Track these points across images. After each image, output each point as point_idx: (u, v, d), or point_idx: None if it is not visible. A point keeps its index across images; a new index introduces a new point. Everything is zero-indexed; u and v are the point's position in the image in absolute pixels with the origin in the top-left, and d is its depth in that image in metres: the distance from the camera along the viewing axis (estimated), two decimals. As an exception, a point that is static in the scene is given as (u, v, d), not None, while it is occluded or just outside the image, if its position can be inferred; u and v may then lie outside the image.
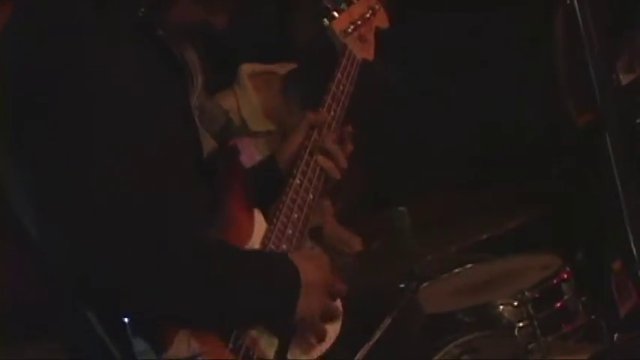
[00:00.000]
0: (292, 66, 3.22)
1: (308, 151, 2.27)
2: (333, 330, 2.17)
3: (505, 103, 3.90)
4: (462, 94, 3.91)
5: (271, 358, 1.98)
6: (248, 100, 3.19)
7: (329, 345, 2.15)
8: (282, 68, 3.23)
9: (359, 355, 2.42)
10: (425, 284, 3.10)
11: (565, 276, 3.04)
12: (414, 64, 3.85)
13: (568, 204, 3.45)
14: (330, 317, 2.05)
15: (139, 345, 1.77)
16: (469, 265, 3.26)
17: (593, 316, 3.07)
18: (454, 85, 3.90)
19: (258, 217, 2.13)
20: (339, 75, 2.37)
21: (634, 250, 2.32)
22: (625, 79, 3.39)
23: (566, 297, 3.02)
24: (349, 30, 2.45)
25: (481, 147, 3.95)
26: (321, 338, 2.05)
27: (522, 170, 3.68)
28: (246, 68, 3.21)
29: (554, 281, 3.03)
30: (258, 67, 3.23)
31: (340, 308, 2.09)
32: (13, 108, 1.79)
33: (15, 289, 2.02)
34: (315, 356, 2.11)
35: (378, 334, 2.56)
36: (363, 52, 2.47)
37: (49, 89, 1.76)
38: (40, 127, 1.76)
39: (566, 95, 3.44)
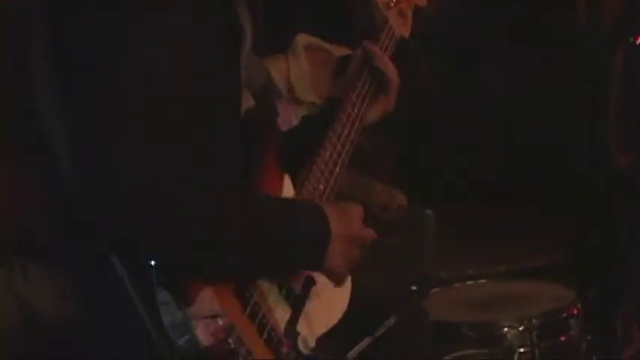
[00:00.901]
0: (347, 51, 3.13)
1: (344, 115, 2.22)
2: (340, 307, 2.15)
3: (548, 129, 3.80)
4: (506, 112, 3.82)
5: (282, 329, 1.92)
6: (300, 67, 3.09)
7: (335, 321, 2.12)
8: (338, 50, 3.13)
9: (357, 347, 2.29)
10: (435, 290, 3.02)
11: (575, 312, 2.94)
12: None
13: (591, 242, 3.35)
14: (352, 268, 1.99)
15: (163, 296, 1.71)
16: (482, 280, 3.18)
17: (594, 357, 2.99)
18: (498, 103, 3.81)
19: (287, 182, 2.08)
20: (375, 47, 2.32)
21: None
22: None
23: (572, 332, 2.92)
24: (391, 4, 2.39)
25: (516, 169, 3.86)
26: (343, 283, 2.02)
27: (553, 200, 3.60)
28: (302, 39, 3.12)
29: (564, 314, 2.93)
30: (315, 41, 3.14)
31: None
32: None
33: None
34: (321, 332, 2.06)
35: (380, 331, 2.50)
36: (402, 28, 2.41)
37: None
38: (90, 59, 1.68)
39: (611, 132, 3.34)
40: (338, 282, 1.99)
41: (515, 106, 3.79)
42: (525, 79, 3.75)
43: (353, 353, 2.33)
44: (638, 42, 3.23)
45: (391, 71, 2.27)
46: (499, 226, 3.19)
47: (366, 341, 2.43)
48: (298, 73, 3.08)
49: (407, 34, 2.40)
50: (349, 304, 2.18)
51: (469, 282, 3.18)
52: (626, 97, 3.22)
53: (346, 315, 2.16)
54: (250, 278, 1.86)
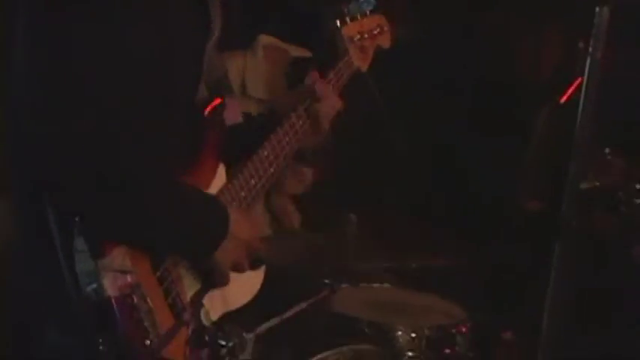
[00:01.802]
0: (305, 52, 3.23)
1: (287, 124, 2.28)
2: (250, 289, 2.20)
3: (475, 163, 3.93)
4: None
5: (188, 298, 1.98)
6: (255, 65, 3.20)
7: (243, 303, 2.17)
8: (295, 51, 3.25)
9: (266, 324, 2.47)
10: (344, 286, 3.10)
11: (463, 330, 3.06)
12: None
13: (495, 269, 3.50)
14: (236, 269, 2.05)
15: (80, 245, 1.77)
16: (387, 285, 3.29)
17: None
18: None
19: (221, 172, 2.14)
20: (331, 74, 2.40)
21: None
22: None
23: (457, 347, 3.05)
24: (355, 39, 2.46)
25: (441, 194, 3.96)
26: (224, 284, 2.06)
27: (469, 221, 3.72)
28: (263, 39, 3.24)
29: (453, 330, 3.05)
30: (274, 41, 3.26)
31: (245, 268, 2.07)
32: None
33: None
34: (227, 310, 2.12)
35: (289, 314, 2.61)
36: (360, 61, 2.48)
37: None
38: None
39: (527, 179, 3.50)
40: (221, 281, 2.04)
41: (447, 141, 3.92)
42: (463, 120, 3.89)
43: (261, 329, 2.43)
44: (562, 100, 3.36)
45: (325, 118, 2.33)
46: (415, 238, 3.28)
47: (274, 320, 2.56)
48: (253, 70, 3.18)
49: (364, 68, 2.49)
50: (267, 286, 2.22)
51: (375, 284, 3.28)
52: (543, 149, 3.38)
53: (262, 296, 2.21)
54: (153, 248, 1.92)
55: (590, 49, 2.59)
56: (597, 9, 2.55)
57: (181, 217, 1.92)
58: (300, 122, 2.29)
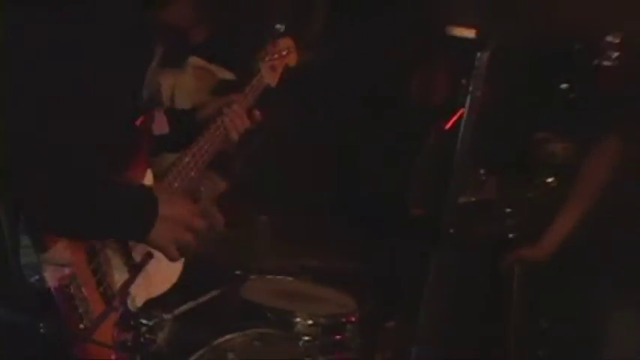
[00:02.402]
0: (229, 75, 3.49)
1: (206, 135, 2.50)
2: (170, 278, 2.35)
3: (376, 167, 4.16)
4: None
5: (117, 286, 2.13)
6: (185, 83, 3.42)
7: (164, 290, 2.33)
8: (220, 72, 3.49)
9: (181, 308, 2.69)
10: (252, 277, 3.33)
11: (353, 319, 3.28)
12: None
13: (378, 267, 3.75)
14: (183, 249, 2.15)
15: (25, 241, 1.90)
16: (289, 278, 3.50)
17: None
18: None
19: (149, 174, 2.30)
20: (247, 89, 2.67)
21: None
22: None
23: (347, 334, 3.26)
24: (267, 58, 2.74)
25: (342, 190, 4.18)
26: (175, 259, 2.17)
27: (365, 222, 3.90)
28: (194, 60, 3.47)
29: (343, 319, 3.27)
30: (203, 63, 3.48)
31: (192, 245, 2.17)
32: None
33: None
34: (150, 296, 2.27)
35: (203, 299, 2.84)
36: (270, 78, 2.74)
37: None
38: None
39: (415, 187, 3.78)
40: (168, 257, 2.15)
41: (349, 152, 4.17)
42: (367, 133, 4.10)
43: (178, 311, 2.67)
44: (447, 127, 3.64)
45: (234, 133, 2.55)
46: (316, 238, 3.51)
47: (190, 304, 2.77)
48: (182, 88, 3.40)
49: (273, 84, 2.75)
50: (185, 273, 2.38)
51: (279, 276, 3.48)
52: (431, 165, 3.68)
53: (180, 284, 2.38)
54: (94, 238, 2.06)
55: (471, 87, 2.90)
56: (478, 54, 2.86)
57: (116, 204, 2.04)
58: (218, 133, 2.53)
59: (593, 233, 3.08)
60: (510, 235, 3.58)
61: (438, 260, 3.09)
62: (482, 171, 3.66)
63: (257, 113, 2.64)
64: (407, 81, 3.91)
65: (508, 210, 3.61)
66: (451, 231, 3.40)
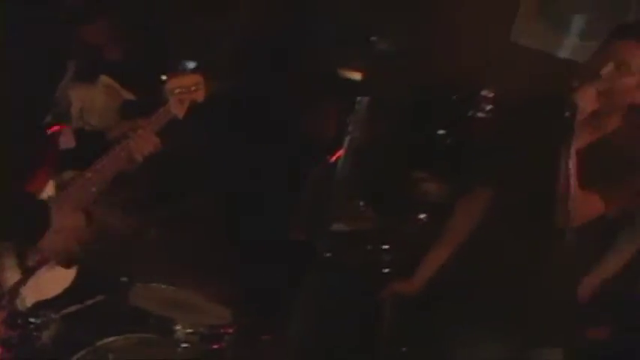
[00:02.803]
0: (131, 96, 3.60)
1: (111, 154, 2.64)
2: (62, 283, 2.50)
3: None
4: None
5: (8, 285, 2.28)
6: (95, 99, 3.52)
7: (56, 294, 2.49)
8: (126, 94, 3.60)
9: (66, 310, 2.78)
10: (139, 284, 3.43)
11: (230, 330, 3.41)
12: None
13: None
14: (73, 257, 2.33)
15: None
16: (174, 288, 3.57)
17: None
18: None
19: (51, 185, 2.45)
20: (153, 117, 2.82)
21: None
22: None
23: (224, 344, 3.39)
24: (176, 91, 2.86)
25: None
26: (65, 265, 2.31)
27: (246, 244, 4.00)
28: (105, 79, 3.57)
29: (221, 330, 3.40)
30: (113, 82, 3.59)
31: (81, 254, 2.33)
32: None
33: None
34: (41, 298, 2.42)
35: (88, 303, 2.94)
36: (177, 110, 2.87)
37: None
38: None
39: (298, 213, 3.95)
40: (59, 263, 2.31)
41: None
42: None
43: (65, 312, 2.77)
44: (332, 160, 3.76)
45: (138, 156, 2.69)
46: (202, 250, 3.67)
47: (77, 306, 2.87)
48: (93, 104, 3.51)
49: (180, 116, 2.89)
50: (77, 278, 2.54)
51: (164, 286, 3.55)
52: (312, 196, 3.88)
53: (72, 288, 2.53)
54: None
55: (350, 127, 3.09)
56: (359, 98, 3.07)
57: (11, 210, 2.15)
58: (122, 154, 2.68)
59: (461, 271, 3.16)
60: (383, 265, 3.72)
61: (310, 281, 3.21)
62: (361, 203, 3.85)
63: (157, 141, 2.79)
64: (300, 116, 4.07)
65: (382, 240, 3.77)
66: (327, 255, 3.63)
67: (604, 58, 2.81)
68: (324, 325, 3.66)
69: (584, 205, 2.79)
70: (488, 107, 4.37)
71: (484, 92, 4.45)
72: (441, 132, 4.24)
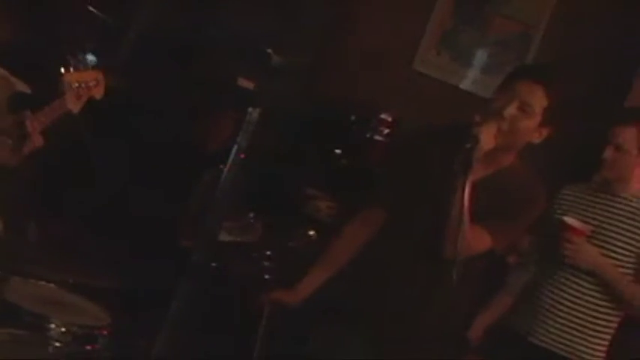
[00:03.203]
0: (26, 88, 3.59)
1: None
2: None
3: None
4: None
5: None
6: None
7: None
8: (19, 85, 3.55)
9: None
10: (15, 279, 3.39)
11: (105, 332, 3.42)
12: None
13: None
14: None
15: None
16: (51, 285, 3.55)
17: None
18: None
19: None
20: (47, 108, 2.87)
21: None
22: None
23: (98, 345, 3.39)
24: (74, 85, 2.92)
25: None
26: None
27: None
28: None
29: (96, 331, 3.40)
30: (4, 72, 3.56)
31: None
32: None
33: None
34: None
35: None
36: (73, 105, 2.93)
37: None
38: None
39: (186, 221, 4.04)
40: None
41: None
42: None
43: None
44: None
45: (27, 147, 2.75)
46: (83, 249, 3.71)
47: None
48: None
49: (75, 111, 2.95)
50: None
51: (41, 282, 3.52)
52: (201, 205, 3.97)
53: None
54: None
55: (238, 138, 3.17)
56: (250, 109, 3.14)
57: None
58: (7, 144, 2.75)
59: (343, 289, 3.22)
60: (267, 276, 3.80)
61: (189, 289, 3.26)
62: (251, 215, 3.95)
63: (40, 139, 2.84)
64: (194, 121, 4.15)
65: (268, 253, 3.86)
66: (213, 265, 3.69)
67: (507, 97, 2.90)
68: (194, 335, 3.70)
69: (473, 239, 2.84)
70: (386, 131, 4.52)
71: (383, 115, 4.60)
72: (337, 151, 4.35)
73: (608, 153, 3.52)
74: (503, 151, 2.95)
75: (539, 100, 2.89)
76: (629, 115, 3.64)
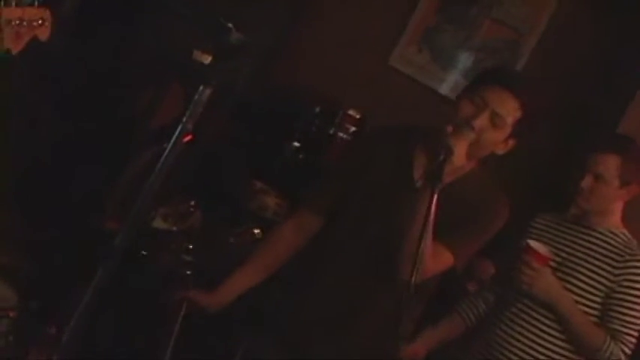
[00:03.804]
0: None
1: None
2: None
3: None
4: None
5: None
6: None
7: None
8: None
9: None
10: None
11: (10, 314, 3.33)
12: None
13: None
14: None
15: None
16: None
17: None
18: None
19: None
20: None
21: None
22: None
23: (1, 328, 3.29)
24: (14, 22, 2.69)
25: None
26: None
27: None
28: None
29: (2, 312, 3.30)
30: None
31: None
32: None
33: None
34: None
35: None
36: (12, 43, 2.69)
37: None
38: None
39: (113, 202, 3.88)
40: None
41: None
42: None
43: None
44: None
45: None
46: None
47: None
48: None
49: (14, 51, 2.70)
50: None
51: None
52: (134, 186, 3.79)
53: None
54: None
55: (184, 118, 3.02)
56: (201, 87, 3.00)
57: None
58: None
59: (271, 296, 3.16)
60: (188, 272, 3.62)
61: (106, 275, 3.14)
62: (192, 202, 3.81)
63: None
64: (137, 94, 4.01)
65: (190, 246, 3.68)
66: (143, 253, 3.55)
67: (476, 106, 2.80)
68: (106, 327, 3.62)
69: (434, 257, 2.76)
70: (352, 129, 4.39)
71: (351, 111, 4.47)
72: (294, 144, 4.22)
73: (586, 182, 3.40)
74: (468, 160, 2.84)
75: (512, 111, 2.81)
76: (613, 143, 3.50)
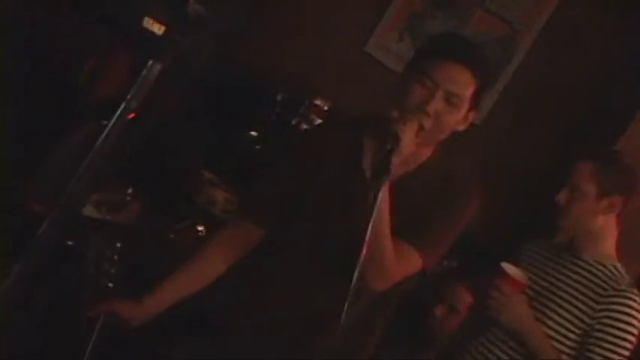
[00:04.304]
0: None
1: None
2: None
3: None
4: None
5: None
6: None
7: None
8: None
9: None
10: None
11: None
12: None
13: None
14: None
15: None
16: None
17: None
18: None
19: None
20: None
21: None
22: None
23: None
24: None
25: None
26: None
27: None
28: None
29: None
30: None
31: None
32: None
33: None
34: None
35: None
36: None
37: None
38: None
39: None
40: None
41: None
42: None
43: None
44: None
45: None
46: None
47: None
48: None
49: None
50: None
51: None
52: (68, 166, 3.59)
53: None
54: None
55: (129, 95, 2.81)
56: (151, 61, 2.78)
57: None
58: None
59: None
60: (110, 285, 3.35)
61: (25, 265, 2.93)
62: (129, 190, 3.57)
63: None
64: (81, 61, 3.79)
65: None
66: (70, 243, 3.32)
67: (427, 88, 2.62)
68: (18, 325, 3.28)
69: (399, 259, 2.63)
70: (318, 120, 4.23)
71: (318, 101, 4.31)
72: (251, 133, 4.02)
73: (562, 196, 3.27)
74: (424, 146, 2.70)
75: (467, 85, 2.65)
76: (589, 151, 3.37)
